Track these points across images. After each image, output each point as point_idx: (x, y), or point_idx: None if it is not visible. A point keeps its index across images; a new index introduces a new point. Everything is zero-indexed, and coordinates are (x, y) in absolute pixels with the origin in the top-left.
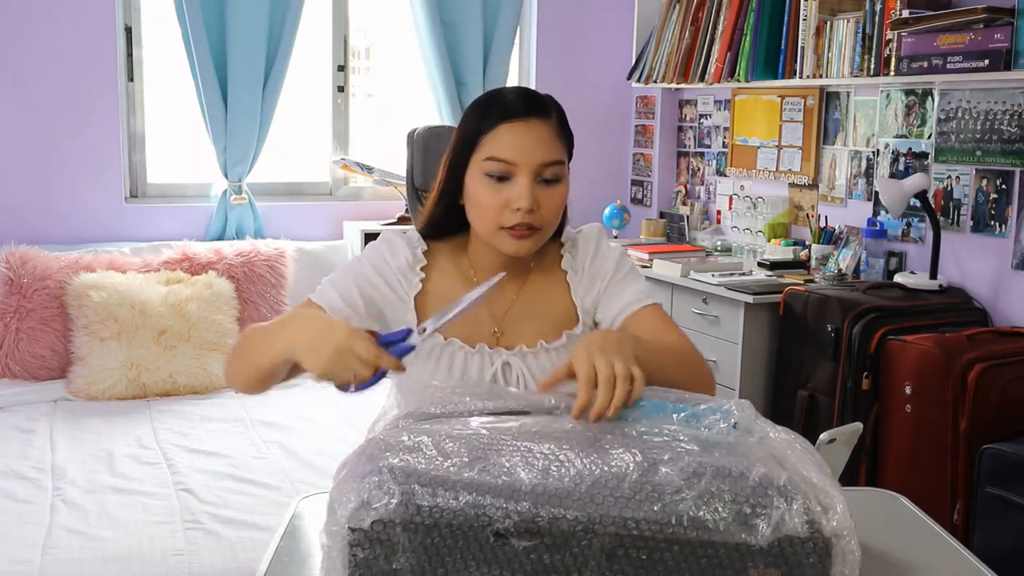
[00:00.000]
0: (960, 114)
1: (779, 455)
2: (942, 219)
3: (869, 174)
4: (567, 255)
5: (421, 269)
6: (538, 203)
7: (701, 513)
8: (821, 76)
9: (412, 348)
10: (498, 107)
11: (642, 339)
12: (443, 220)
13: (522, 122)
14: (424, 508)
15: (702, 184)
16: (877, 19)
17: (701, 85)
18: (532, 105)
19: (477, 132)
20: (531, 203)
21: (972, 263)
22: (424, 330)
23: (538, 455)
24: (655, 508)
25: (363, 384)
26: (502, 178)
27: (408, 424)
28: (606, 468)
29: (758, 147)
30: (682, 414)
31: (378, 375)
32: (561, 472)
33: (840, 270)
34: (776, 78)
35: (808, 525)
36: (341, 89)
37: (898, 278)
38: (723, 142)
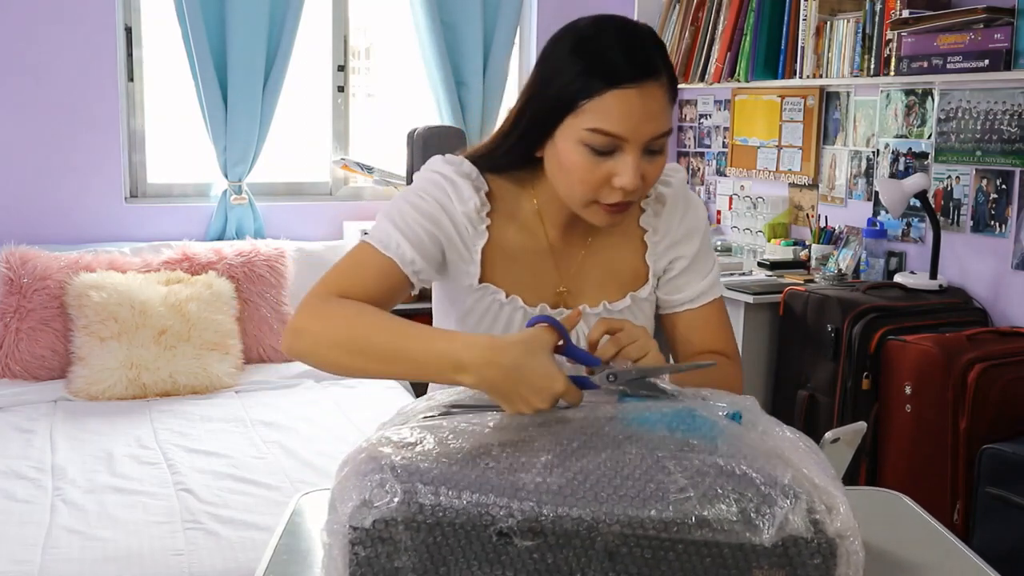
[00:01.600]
0: (960, 114)
1: (783, 453)
2: (942, 219)
3: (869, 174)
4: (649, 211)
5: (487, 215)
6: (642, 177)
7: (706, 512)
8: (821, 76)
9: (597, 387)
10: (604, 69)
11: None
12: (510, 164)
13: (635, 89)
14: (426, 507)
15: (702, 184)
16: (877, 19)
17: (701, 85)
18: (643, 67)
19: (578, 93)
20: (638, 183)
21: (972, 263)
22: (614, 377)
23: (542, 453)
24: (659, 507)
25: None
26: (605, 151)
27: (412, 421)
28: (610, 466)
29: (758, 147)
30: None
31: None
32: (564, 470)
33: (840, 270)
34: (776, 78)
35: (812, 525)
36: (341, 89)
37: (898, 278)
38: (723, 142)
